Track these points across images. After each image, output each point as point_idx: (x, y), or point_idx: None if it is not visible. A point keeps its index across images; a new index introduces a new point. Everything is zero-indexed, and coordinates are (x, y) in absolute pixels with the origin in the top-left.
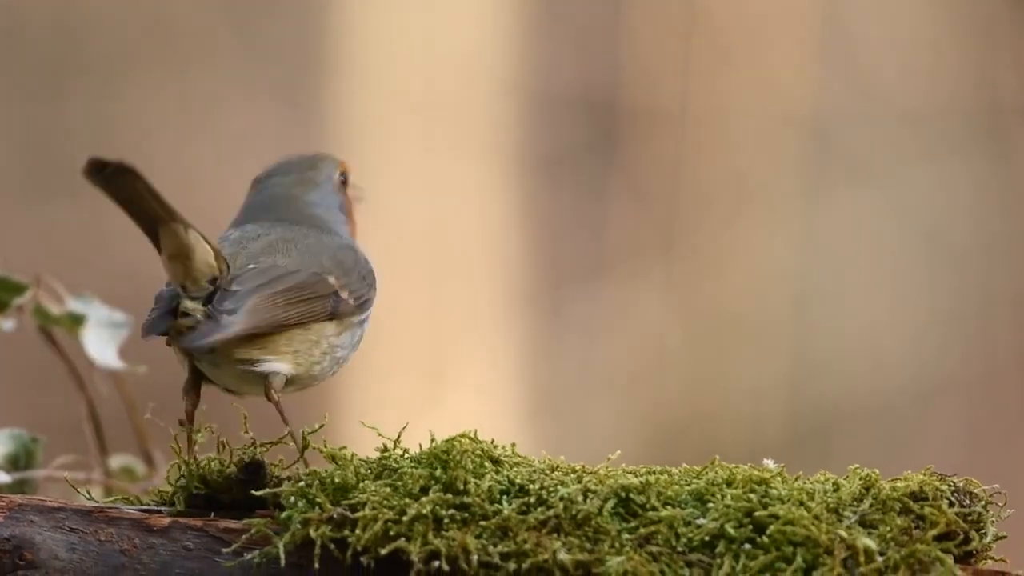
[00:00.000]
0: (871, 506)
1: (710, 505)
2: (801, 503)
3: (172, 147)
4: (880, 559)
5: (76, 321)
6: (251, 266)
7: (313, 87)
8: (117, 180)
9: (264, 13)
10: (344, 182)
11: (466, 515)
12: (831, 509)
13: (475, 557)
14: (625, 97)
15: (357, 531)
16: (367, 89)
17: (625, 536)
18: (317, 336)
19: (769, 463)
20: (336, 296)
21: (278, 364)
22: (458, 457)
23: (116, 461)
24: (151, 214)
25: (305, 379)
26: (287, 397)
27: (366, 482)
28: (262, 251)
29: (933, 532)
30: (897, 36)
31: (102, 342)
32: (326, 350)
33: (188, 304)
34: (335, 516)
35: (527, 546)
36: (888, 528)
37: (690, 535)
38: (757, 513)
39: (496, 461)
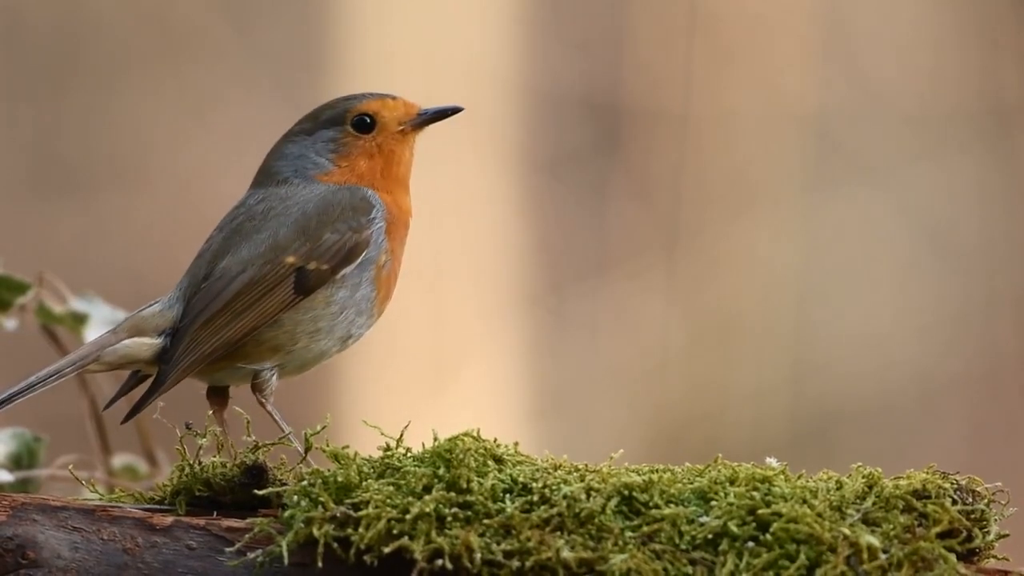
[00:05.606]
0: (874, 504)
1: (713, 503)
2: (804, 501)
3: (171, 145)
4: (883, 556)
5: (78, 320)
6: (203, 286)
7: (312, 85)
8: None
9: (263, 11)
10: (363, 123)
11: (469, 513)
12: (834, 507)
13: (478, 555)
14: (628, 98)
15: (360, 530)
16: (368, 88)
17: (628, 534)
18: (292, 324)
19: (772, 461)
20: (300, 272)
21: (256, 365)
22: (461, 456)
23: (119, 460)
24: None
25: (310, 362)
26: (289, 394)
27: (369, 481)
28: (217, 253)
29: (936, 530)
30: (900, 36)
31: None
32: (314, 329)
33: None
34: (338, 515)
35: (530, 544)
36: (891, 526)
37: (693, 533)
38: (760, 511)
39: (499, 460)
